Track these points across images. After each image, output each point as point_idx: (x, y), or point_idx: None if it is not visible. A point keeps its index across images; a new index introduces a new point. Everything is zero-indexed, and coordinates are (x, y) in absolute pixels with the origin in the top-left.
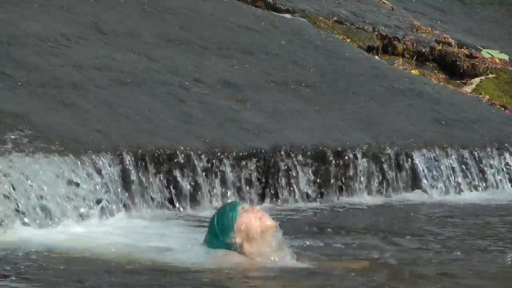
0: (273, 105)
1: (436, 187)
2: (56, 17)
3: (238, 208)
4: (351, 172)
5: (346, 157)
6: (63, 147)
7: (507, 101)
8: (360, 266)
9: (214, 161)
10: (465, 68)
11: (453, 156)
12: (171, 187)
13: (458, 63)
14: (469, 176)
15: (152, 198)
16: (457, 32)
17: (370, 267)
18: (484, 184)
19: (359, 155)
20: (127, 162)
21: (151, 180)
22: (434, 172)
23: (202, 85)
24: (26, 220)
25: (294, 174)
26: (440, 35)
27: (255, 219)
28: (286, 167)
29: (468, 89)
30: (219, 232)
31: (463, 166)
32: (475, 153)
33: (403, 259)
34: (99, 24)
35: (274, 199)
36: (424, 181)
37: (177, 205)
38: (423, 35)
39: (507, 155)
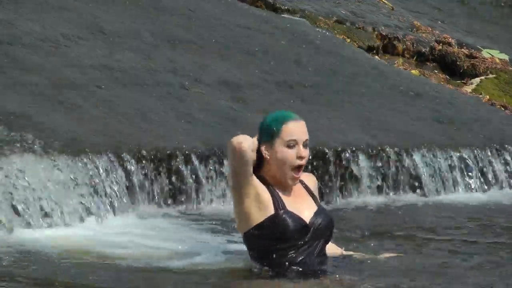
0: (273, 105)
1: (436, 187)
2: (56, 17)
3: None
4: (351, 172)
5: (346, 157)
6: (63, 147)
7: (507, 101)
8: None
9: (214, 161)
10: (465, 68)
11: (453, 156)
12: (171, 187)
13: (458, 63)
14: (469, 177)
15: (152, 198)
16: (457, 32)
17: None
18: (484, 185)
19: (359, 155)
20: (127, 162)
21: (151, 180)
22: (434, 172)
23: (202, 85)
24: (25, 220)
25: None
26: (440, 35)
27: None
28: None
29: (468, 89)
30: None
31: (463, 166)
32: (475, 153)
33: (402, 259)
34: (99, 24)
35: None
36: (424, 181)
37: (177, 204)
38: (423, 35)
39: (507, 155)
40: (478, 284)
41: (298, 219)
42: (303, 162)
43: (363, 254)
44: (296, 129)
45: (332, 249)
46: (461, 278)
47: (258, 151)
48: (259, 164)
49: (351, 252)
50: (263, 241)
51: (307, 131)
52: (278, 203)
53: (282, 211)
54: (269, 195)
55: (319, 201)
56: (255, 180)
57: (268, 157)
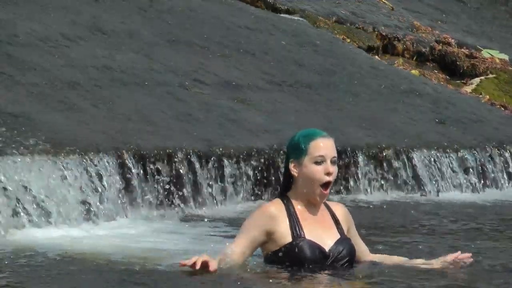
0: (273, 105)
1: (436, 187)
2: (56, 17)
3: None
4: (351, 172)
5: (346, 157)
6: (63, 147)
7: (507, 101)
8: None
9: (214, 161)
10: (465, 68)
11: (452, 156)
12: (171, 187)
13: (458, 63)
14: (469, 176)
15: (152, 198)
16: (457, 32)
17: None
18: (483, 184)
19: (359, 155)
20: (127, 162)
21: (151, 180)
22: (434, 172)
23: (202, 85)
24: (25, 221)
25: None
26: (440, 35)
27: None
28: None
29: (468, 89)
30: None
31: (463, 166)
32: (475, 153)
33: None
34: (99, 24)
35: None
36: (424, 180)
37: (177, 205)
38: (423, 35)
39: (507, 155)
40: (480, 283)
41: (316, 248)
42: (331, 178)
43: (427, 261)
44: (324, 145)
45: (394, 259)
46: (463, 277)
47: (287, 170)
48: (287, 184)
49: (417, 261)
50: (280, 265)
51: (335, 148)
52: (297, 231)
53: (299, 239)
54: (287, 222)
55: (350, 231)
56: (263, 227)
57: (296, 175)
